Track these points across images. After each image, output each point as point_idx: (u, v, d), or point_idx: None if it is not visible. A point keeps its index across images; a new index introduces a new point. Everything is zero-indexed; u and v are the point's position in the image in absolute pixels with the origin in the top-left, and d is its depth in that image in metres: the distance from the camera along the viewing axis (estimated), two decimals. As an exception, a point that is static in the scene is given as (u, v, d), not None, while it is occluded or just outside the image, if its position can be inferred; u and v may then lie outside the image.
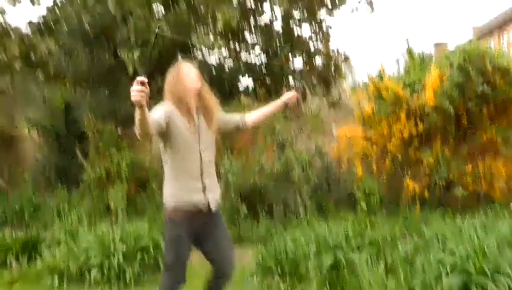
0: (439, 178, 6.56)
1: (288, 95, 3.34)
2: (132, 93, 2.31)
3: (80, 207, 7.02)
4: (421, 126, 6.65)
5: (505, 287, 3.33)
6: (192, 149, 2.89)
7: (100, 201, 6.99)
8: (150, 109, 2.55)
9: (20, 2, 8.57)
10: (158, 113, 2.74)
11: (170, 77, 2.96)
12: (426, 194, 6.60)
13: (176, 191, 2.90)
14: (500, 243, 3.95)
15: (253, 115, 3.33)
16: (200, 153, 2.92)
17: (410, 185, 6.62)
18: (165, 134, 2.79)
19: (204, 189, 2.92)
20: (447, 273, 3.57)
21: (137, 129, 2.52)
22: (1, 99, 9.01)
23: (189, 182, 2.89)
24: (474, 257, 3.60)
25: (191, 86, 2.92)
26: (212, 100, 3.07)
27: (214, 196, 2.98)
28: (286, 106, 3.35)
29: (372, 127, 7.13)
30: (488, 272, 3.39)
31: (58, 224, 6.56)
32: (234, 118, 3.26)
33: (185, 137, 2.85)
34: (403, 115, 6.71)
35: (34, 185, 8.47)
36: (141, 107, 2.36)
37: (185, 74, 2.94)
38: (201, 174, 2.92)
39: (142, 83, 2.31)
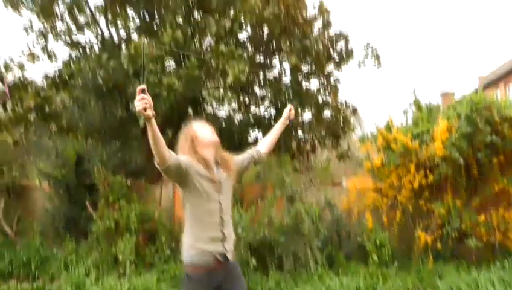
0: (451, 229, 6.47)
1: (287, 111, 3.52)
2: (136, 104, 2.37)
3: (88, 259, 6.95)
4: (431, 177, 6.63)
5: None
6: (213, 199, 2.91)
7: (108, 253, 6.92)
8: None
9: (39, 59, 8.91)
10: (181, 156, 2.80)
11: (183, 137, 2.99)
12: (439, 245, 6.49)
13: (194, 242, 2.89)
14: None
15: (264, 143, 3.46)
16: (220, 203, 2.94)
17: (422, 236, 6.52)
18: (186, 180, 2.81)
19: (223, 239, 2.92)
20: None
21: (155, 157, 2.58)
22: (14, 150, 9.14)
23: (209, 230, 2.89)
24: (492, 312, 3.51)
25: (208, 140, 2.97)
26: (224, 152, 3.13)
27: (230, 246, 2.98)
28: (288, 119, 3.54)
29: (382, 179, 7.12)
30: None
31: (65, 276, 6.49)
32: (248, 153, 3.32)
33: (205, 187, 2.88)
34: (412, 166, 6.71)
35: (42, 235, 8.43)
36: (149, 119, 2.42)
37: (199, 130, 3.00)
38: (221, 223, 2.93)
39: (143, 91, 2.38)
